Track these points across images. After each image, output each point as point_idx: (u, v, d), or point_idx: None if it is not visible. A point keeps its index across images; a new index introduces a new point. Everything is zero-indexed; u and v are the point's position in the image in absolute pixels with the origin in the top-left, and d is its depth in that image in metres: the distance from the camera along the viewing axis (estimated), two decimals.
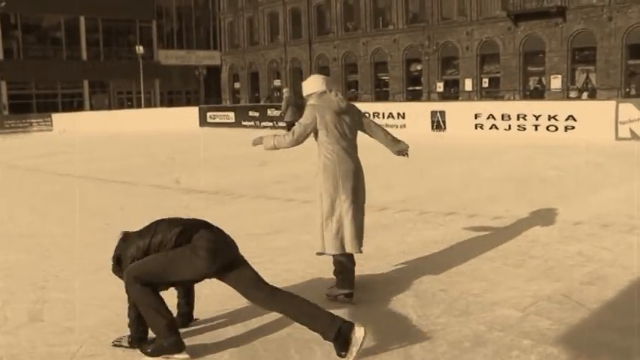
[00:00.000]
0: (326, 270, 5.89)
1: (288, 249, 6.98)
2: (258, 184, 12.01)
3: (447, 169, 13.36)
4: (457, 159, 15.28)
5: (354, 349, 3.98)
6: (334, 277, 5.33)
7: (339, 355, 3.99)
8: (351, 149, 5.29)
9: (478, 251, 6.58)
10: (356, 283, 5.32)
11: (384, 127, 5.63)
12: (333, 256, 5.26)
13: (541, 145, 17.28)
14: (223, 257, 4.19)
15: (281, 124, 29.72)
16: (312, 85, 5.37)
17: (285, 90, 28.37)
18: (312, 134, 5.30)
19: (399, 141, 5.62)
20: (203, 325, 4.71)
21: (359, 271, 5.47)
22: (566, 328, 4.42)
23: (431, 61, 43.38)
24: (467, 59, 41.36)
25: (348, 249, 5.20)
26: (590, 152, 15.23)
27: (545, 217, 8.16)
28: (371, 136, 5.55)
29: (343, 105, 5.28)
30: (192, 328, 4.64)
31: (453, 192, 10.45)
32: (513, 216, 8.30)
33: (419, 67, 44.84)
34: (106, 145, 24.37)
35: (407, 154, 5.67)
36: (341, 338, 3.98)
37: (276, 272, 5.82)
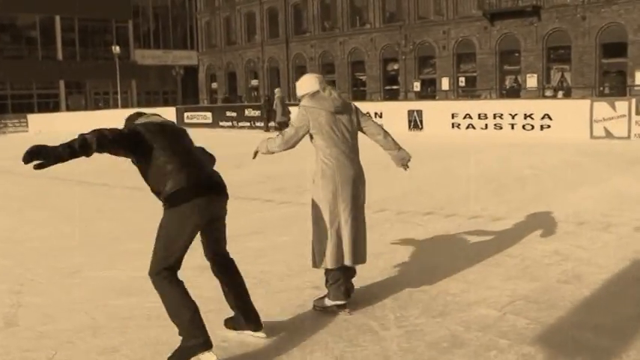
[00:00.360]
0: (304, 272, 5.89)
1: (266, 250, 6.97)
2: (236, 185, 11.86)
3: (424, 169, 13.38)
4: (434, 158, 15.34)
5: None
6: (325, 281, 4.98)
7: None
8: (351, 153, 4.90)
9: (456, 251, 6.62)
10: None
11: (385, 129, 5.21)
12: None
13: (517, 144, 17.42)
14: (211, 213, 4.11)
15: (258, 124, 29.77)
16: (306, 85, 5.00)
17: (277, 90, 28.50)
18: (308, 138, 4.94)
19: (400, 147, 5.18)
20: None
21: None
22: (543, 327, 4.45)
23: (408, 60, 43.52)
24: (443, 58, 41.54)
25: (347, 262, 4.83)
26: (565, 151, 15.38)
27: (521, 215, 8.22)
28: (370, 137, 5.15)
29: (338, 104, 4.89)
30: (165, 329, 4.60)
31: (430, 192, 10.50)
32: (490, 215, 8.36)
33: (396, 67, 44.96)
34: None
35: (408, 165, 5.24)
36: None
37: (253, 274, 5.81)
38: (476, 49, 39.85)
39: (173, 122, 4.46)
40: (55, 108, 52.26)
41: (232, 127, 31.67)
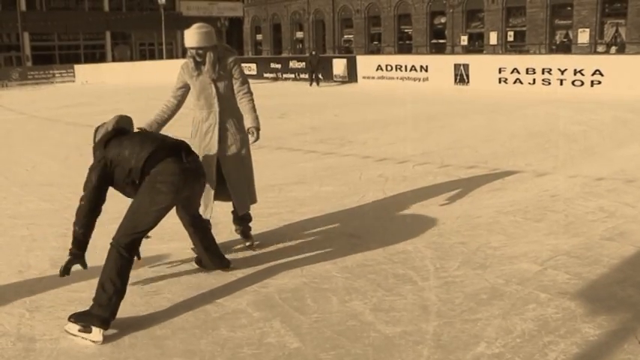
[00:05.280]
0: (344, 221, 5.91)
1: (307, 200, 6.99)
2: (279, 136, 11.98)
3: (469, 123, 13.23)
4: (479, 113, 15.12)
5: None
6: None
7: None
8: None
9: (498, 205, 6.55)
10: (378, 232, 5.29)
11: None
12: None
13: (566, 100, 17.05)
14: (186, 190, 4.22)
15: (303, 75, 29.67)
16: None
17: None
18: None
19: None
20: (219, 273, 4.75)
21: (379, 220, 5.42)
22: (584, 282, 4.39)
23: (455, 13, 42.61)
24: (492, 12, 40.54)
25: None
26: (616, 108, 15.01)
27: (567, 172, 8.08)
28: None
29: None
30: (207, 275, 4.69)
31: (474, 146, 10.36)
32: (534, 170, 8.24)
33: (443, 20, 44.09)
34: (128, 96, 24.39)
35: None
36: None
37: (295, 223, 5.84)
38: (526, 2, 38.71)
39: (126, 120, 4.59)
40: (102, 59, 52.70)
41: (277, 78, 31.64)
